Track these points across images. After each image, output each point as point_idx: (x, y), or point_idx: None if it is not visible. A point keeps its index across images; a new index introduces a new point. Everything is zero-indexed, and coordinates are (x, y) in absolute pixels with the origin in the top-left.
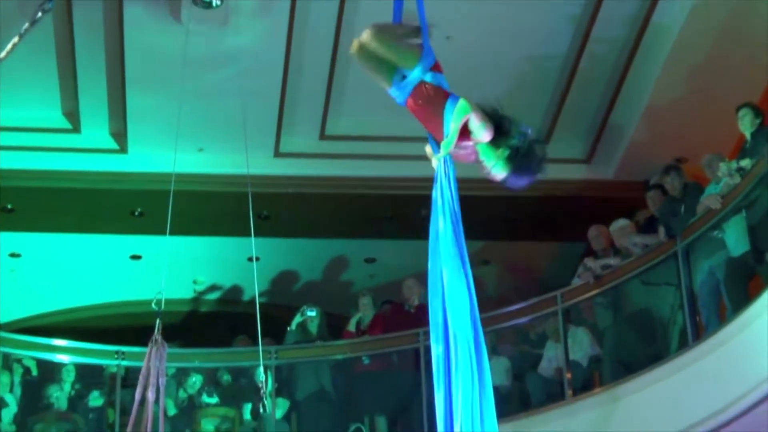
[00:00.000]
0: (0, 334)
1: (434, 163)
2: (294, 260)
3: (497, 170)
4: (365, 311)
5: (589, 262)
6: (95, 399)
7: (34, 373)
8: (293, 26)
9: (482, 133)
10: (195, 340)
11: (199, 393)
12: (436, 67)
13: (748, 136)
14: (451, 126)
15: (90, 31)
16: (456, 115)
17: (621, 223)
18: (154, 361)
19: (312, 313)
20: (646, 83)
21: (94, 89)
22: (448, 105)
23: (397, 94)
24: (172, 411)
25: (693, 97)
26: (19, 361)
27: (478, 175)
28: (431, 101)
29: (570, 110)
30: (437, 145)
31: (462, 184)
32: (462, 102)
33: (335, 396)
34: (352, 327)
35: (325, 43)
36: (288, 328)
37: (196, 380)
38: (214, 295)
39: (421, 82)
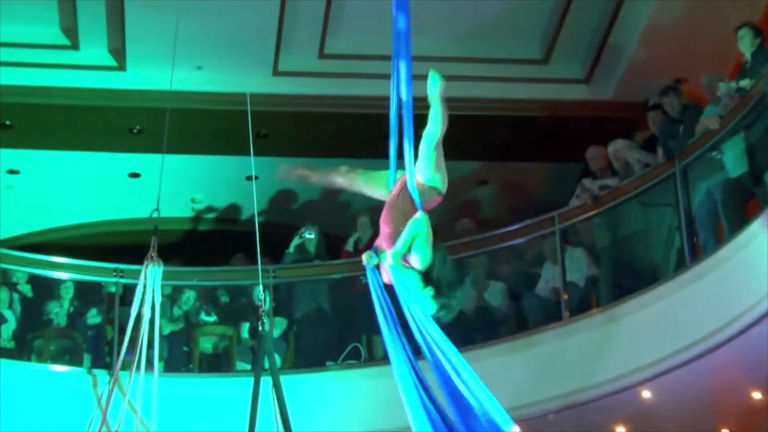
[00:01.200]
0: None
1: (365, 261)
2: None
3: (421, 303)
4: (363, 231)
5: (587, 182)
6: (94, 316)
7: (29, 294)
8: None
9: (417, 260)
10: (194, 259)
11: (197, 311)
12: None
13: (748, 56)
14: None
15: None
16: (412, 226)
17: (619, 143)
18: (150, 278)
19: (310, 235)
20: (647, 2)
21: (92, 5)
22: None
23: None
24: (168, 329)
25: (693, 17)
26: (14, 286)
27: (476, 95)
28: (407, 211)
29: (569, 30)
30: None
31: (461, 104)
32: (422, 217)
33: (333, 315)
34: (350, 246)
35: None
36: (286, 251)
37: (189, 296)
38: (212, 214)
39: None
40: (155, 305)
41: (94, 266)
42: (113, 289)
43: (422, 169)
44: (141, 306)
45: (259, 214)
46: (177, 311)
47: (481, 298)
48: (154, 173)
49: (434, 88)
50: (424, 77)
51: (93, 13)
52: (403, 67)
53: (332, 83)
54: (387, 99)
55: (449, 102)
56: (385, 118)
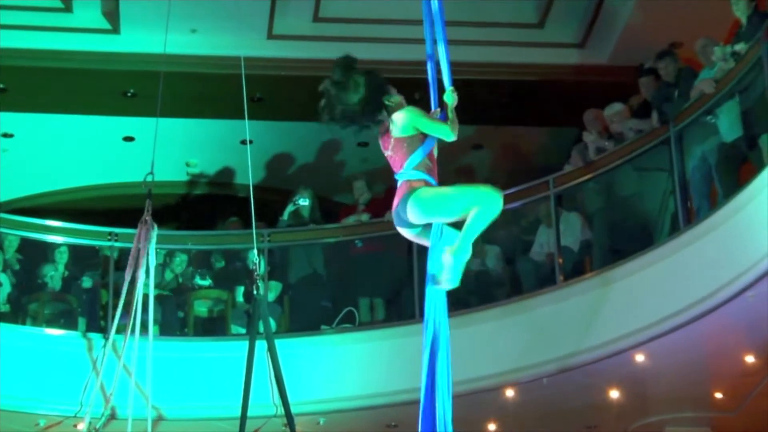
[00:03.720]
0: None
1: None
2: (287, 143)
3: None
4: (361, 194)
5: (588, 136)
6: (89, 280)
7: (16, 267)
8: None
9: None
10: (188, 223)
11: (192, 275)
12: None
13: (743, 20)
14: None
15: None
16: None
17: (616, 107)
18: (144, 242)
19: (305, 202)
20: None
21: None
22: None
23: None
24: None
25: None
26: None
27: (471, 59)
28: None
29: None
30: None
31: (455, 68)
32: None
33: (327, 279)
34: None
35: None
36: (280, 218)
37: (182, 260)
38: (207, 178)
39: None
40: (150, 269)
41: (89, 230)
42: (108, 253)
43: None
44: (135, 269)
45: (253, 178)
46: (169, 275)
47: (476, 261)
48: (149, 137)
49: None
50: (419, 41)
51: None
52: (442, 52)
53: (327, 47)
54: (382, 63)
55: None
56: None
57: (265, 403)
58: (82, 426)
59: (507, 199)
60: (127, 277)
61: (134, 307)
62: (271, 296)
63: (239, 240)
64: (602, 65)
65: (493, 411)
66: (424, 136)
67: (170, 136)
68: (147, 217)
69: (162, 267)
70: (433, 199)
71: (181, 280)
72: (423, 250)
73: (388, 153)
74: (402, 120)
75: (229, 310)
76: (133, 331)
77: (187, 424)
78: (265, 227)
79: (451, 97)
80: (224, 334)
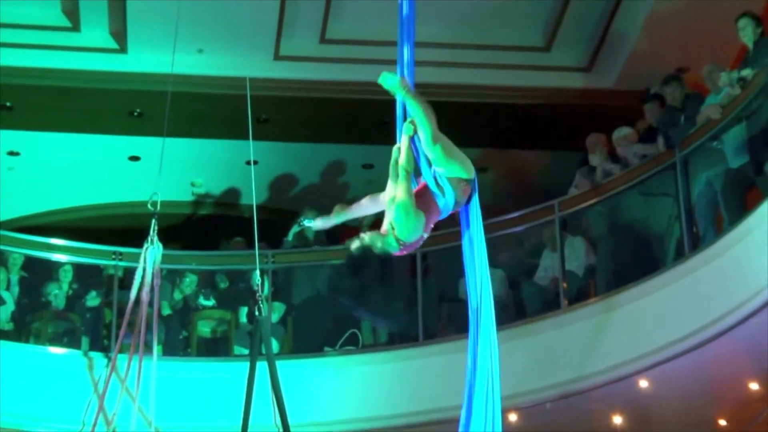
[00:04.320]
0: None
1: None
2: (292, 164)
3: None
4: (365, 216)
5: (594, 158)
6: (93, 299)
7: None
8: None
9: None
10: (193, 243)
11: (196, 295)
12: None
13: (750, 46)
14: None
15: None
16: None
17: (624, 131)
18: (149, 261)
19: (309, 223)
20: None
21: None
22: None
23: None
24: (166, 311)
25: (696, 6)
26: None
27: (477, 82)
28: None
29: (571, 18)
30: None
31: (462, 90)
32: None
33: (331, 301)
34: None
35: None
36: (285, 239)
37: (191, 280)
38: (212, 198)
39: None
40: (154, 288)
41: (93, 249)
42: (112, 272)
43: (438, 164)
44: (140, 289)
45: (258, 198)
46: (178, 295)
47: None
48: (154, 157)
49: (395, 88)
50: (427, 63)
51: None
52: (406, 52)
53: (333, 68)
54: None
55: (451, 89)
56: (386, 104)
57: (266, 424)
58: None
59: (512, 223)
60: (132, 296)
61: (138, 327)
62: (275, 317)
63: (243, 260)
64: (608, 89)
65: None
66: (425, 195)
67: (176, 156)
68: (153, 236)
69: (171, 287)
70: (448, 160)
71: (184, 300)
72: (427, 273)
73: (427, 234)
74: (402, 223)
75: (233, 330)
76: (136, 350)
77: None
78: (270, 248)
79: (408, 129)
80: (227, 354)
